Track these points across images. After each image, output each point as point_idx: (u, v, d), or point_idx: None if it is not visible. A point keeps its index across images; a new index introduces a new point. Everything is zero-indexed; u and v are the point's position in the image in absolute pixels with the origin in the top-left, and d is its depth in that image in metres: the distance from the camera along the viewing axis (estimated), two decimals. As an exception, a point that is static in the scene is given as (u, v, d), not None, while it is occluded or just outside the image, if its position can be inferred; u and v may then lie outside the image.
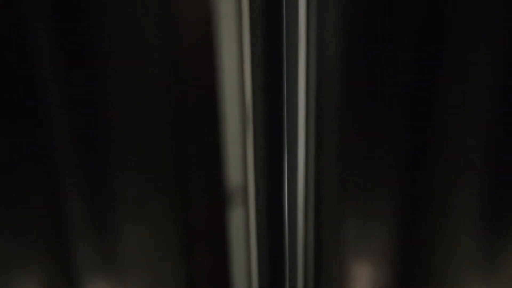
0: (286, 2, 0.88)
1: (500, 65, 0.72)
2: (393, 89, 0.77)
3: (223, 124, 0.79)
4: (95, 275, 0.85)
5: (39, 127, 0.75)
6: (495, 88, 0.73)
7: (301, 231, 0.99)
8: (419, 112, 0.77)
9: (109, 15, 0.69)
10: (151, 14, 0.71)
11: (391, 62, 0.76)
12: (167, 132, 0.77)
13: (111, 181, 0.79)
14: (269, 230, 0.99)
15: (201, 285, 0.86)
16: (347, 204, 0.88)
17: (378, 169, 0.83)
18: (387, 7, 0.73)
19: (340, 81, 0.81)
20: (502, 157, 0.77)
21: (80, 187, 0.79)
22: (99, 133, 0.76)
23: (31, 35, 0.70)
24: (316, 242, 0.96)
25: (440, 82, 0.75)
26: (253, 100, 0.84)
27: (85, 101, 0.74)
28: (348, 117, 0.82)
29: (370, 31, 0.75)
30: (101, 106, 0.74)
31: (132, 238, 0.82)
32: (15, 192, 0.78)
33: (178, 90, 0.75)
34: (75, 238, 0.83)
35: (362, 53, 0.77)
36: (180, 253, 0.84)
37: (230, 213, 0.85)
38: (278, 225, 1.03)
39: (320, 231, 0.95)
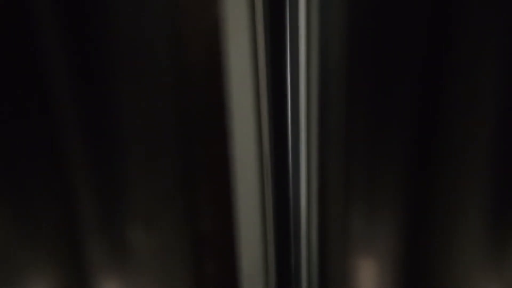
0: (289, 4, 0.88)
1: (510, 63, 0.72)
2: (398, 85, 0.77)
3: (232, 132, 0.79)
4: (105, 282, 0.85)
5: (53, 132, 0.75)
6: (504, 86, 0.73)
7: (305, 232, 1.00)
8: (425, 109, 0.77)
9: (120, 24, 0.69)
10: (160, 21, 0.71)
11: (395, 60, 0.76)
12: (177, 139, 0.78)
13: (122, 188, 0.79)
14: (276, 232, 0.99)
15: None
16: (351, 203, 0.88)
17: (383, 166, 0.83)
18: (391, 5, 0.73)
19: (343, 76, 0.81)
20: (509, 155, 0.77)
21: (92, 193, 0.80)
22: (111, 140, 0.76)
23: (46, 39, 0.70)
24: (319, 241, 0.97)
25: (446, 79, 0.75)
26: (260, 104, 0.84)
27: (96, 111, 0.74)
28: (352, 113, 0.82)
29: (374, 29, 0.75)
30: (112, 115, 0.75)
31: (143, 244, 0.83)
32: (30, 197, 0.79)
33: (188, 99, 0.75)
34: (85, 244, 0.83)
35: (365, 50, 0.77)
36: (190, 256, 0.85)
37: (238, 217, 0.86)
38: (284, 226, 1.03)
39: (323, 230, 0.96)
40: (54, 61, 0.71)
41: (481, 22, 0.71)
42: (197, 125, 0.78)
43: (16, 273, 0.83)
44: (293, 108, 0.95)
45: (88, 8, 0.68)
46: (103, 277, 0.85)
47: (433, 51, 0.74)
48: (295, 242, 1.05)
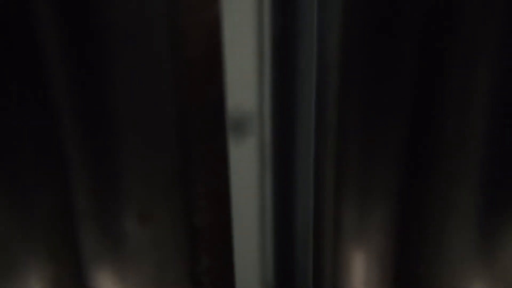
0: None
1: (506, 65, 0.72)
2: (393, 83, 0.77)
3: (228, 129, 0.80)
4: (100, 274, 0.85)
5: (50, 128, 0.75)
6: (499, 87, 0.73)
7: (301, 228, 1.00)
8: (418, 107, 0.77)
9: (118, 20, 0.69)
10: (159, 18, 0.71)
11: (391, 58, 0.76)
12: (175, 134, 0.78)
13: (118, 182, 0.79)
14: (272, 228, 0.99)
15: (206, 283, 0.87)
16: (345, 200, 0.88)
17: (376, 164, 0.83)
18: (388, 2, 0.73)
19: (338, 75, 0.80)
20: (501, 156, 0.77)
21: (88, 185, 0.80)
22: (108, 133, 0.76)
23: (42, 37, 0.70)
24: (314, 237, 0.97)
25: (442, 78, 0.75)
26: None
27: (93, 104, 0.74)
28: (346, 112, 0.82)
29: (370, 27, 0.75)
30: (110, 109, 0.74)
31: (138, 237, 0.83)
32: (25, 189, 0.78)
33: (186, 94, 0.75)
34: (81, 237, 0.83)
35: (362, 49, 0.77)
36: (185, 250, 0.85)
37: (235, 212, 0.86)
38: (280, 223, 1.03)
39: (318, 227, 0.96)
40: (52, 55, 0.71)
41: (484, 18, 0.71)
42: (195, 120, 0.78)
43: (10, 265, 0.83)
44: (291, 105, 0.95)
45: (87, 3, 0.68)
46: (98, 269, 0.85)
47: (432, 49, 0.74)
48: (290, 238, 1.05)
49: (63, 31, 0.70)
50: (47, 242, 0.83)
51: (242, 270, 0.93)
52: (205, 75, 0.76)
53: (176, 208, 0.82)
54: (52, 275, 0.84)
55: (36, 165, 0.77)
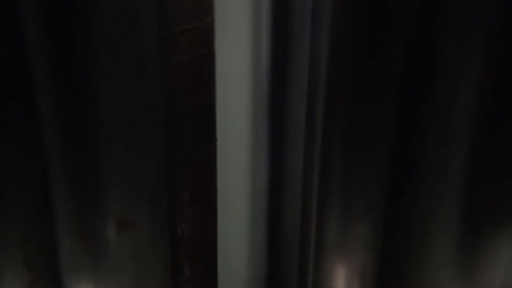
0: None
1: (494, 72, 0.72)
2: (379, 101, 0.77)
3: (218, 137, 0.79)
4: (79, 283, 0.84)
5: (30, 131, 0.74)
6: (487, 96, 0.74)
7: (286, 239, 1.00)
8: (403, 119, 0.77)
9: (106, 22, 0.68)
10: (149, 25, 0.70)
11: (378, 69, 0.76)
12: (161, 141, 0.77)
13: (100, 188, 0.78)
14: (257, 238, 0.99)
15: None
16: (329, 210, 0.89)
17: (361, 175, 0.83)
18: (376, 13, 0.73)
19: (328, 80, 0.81)
20: (488, 162, 0.78)
21: (67, 190, 0.78)
22: (92, 139, 0.75)
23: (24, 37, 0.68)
24: (300, 248, 0.97)
25: (428, 95, 0.75)
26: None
27: (77, 109, 0.73)
28: (331, 119, 0.82)
29: (359, 38, 0.75)
30: (94, 113, 0.73)
31: (119, 245, 0.82)
32: (1, 196, 0.77)
33: (174, 101, 0.74)
34: (60, 244, 0.82)
35: (350, 59, 0.77)
36: (168, 260, 0.84)
37: (220, 222, 0.85)
38: (265, 233, 1.03)
39: (303, 237, 0.96)
40: (37, 57, 0.70)
41: (471, 30, 0.71)
42: (182, 127, 0.77)
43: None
44: (278, 113, 0.96)
45: (72, 5, 0.67)
46: (76, 278, 0.84)
47: (419, 58, 0.74)
48: (276, 248, 1.05)
49: (49, 36, 0.68)
50: (23, 248, 0.81)
51: (225, 282, 0.93)
52: (194, 81, 0.75)
53: (159, 216, 0.81)
54: (28, 282, 0.83)
55: (13, 168, 0.76)
